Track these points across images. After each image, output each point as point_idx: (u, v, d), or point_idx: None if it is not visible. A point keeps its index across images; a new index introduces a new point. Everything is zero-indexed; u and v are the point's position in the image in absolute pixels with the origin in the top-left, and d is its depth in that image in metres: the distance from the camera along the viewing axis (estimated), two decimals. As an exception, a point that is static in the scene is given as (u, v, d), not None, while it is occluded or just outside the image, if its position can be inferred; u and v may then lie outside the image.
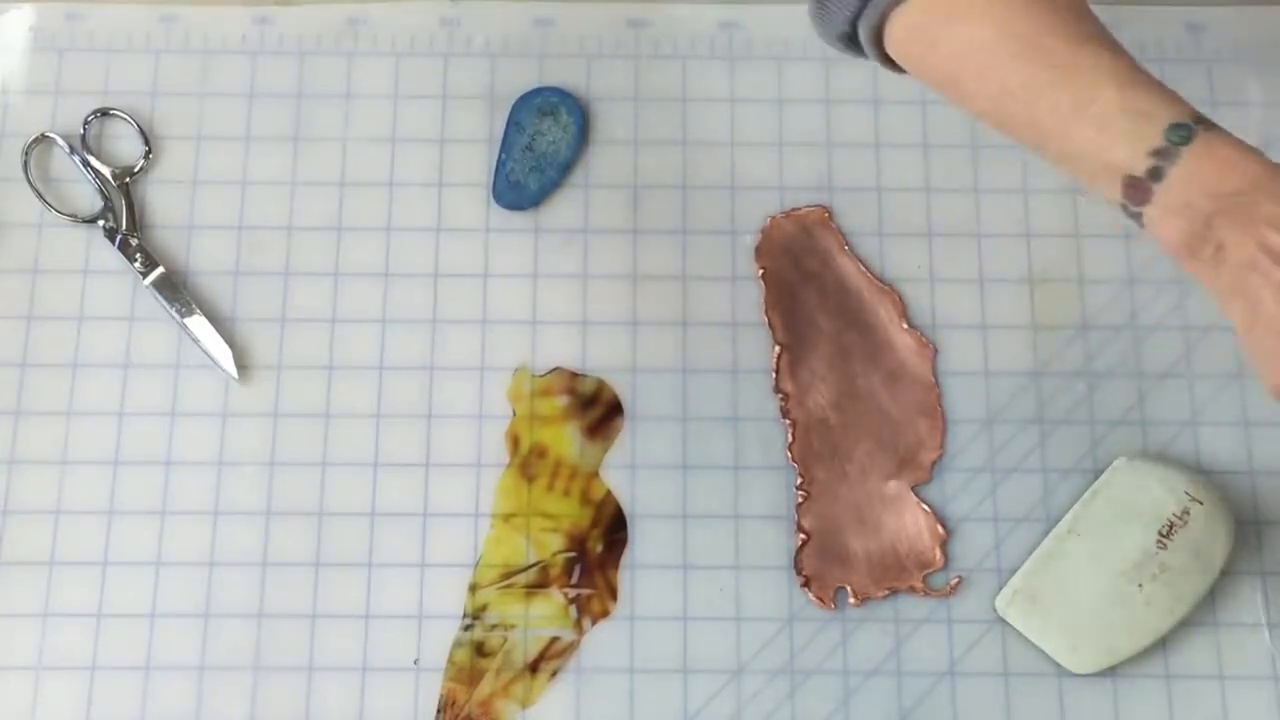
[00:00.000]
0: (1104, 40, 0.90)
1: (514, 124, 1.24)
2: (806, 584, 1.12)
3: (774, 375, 1.17)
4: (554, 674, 1.10)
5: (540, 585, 1.12)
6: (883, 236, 1.22)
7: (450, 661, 1.10)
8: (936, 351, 1.18)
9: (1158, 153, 0.84)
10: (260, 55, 1.26)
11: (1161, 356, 1.18)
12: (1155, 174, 0.84)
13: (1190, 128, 0.84)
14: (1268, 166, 0.83)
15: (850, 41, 1.01)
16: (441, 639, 1.11)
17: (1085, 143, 0.87)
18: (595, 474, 1.15)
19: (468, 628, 1.11)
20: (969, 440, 1.16)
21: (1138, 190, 0.85)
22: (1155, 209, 0.85)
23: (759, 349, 1.18)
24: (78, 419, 1.16)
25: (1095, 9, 1.24)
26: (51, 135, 1.22)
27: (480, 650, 1.10)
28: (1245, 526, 1.13)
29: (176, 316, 1.17)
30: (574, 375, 1.18)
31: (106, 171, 1.21)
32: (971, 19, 0.92)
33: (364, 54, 1.26)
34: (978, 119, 0.96)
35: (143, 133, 1.23)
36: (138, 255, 1.19)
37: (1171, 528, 1.10)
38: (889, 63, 1.00)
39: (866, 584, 1.12)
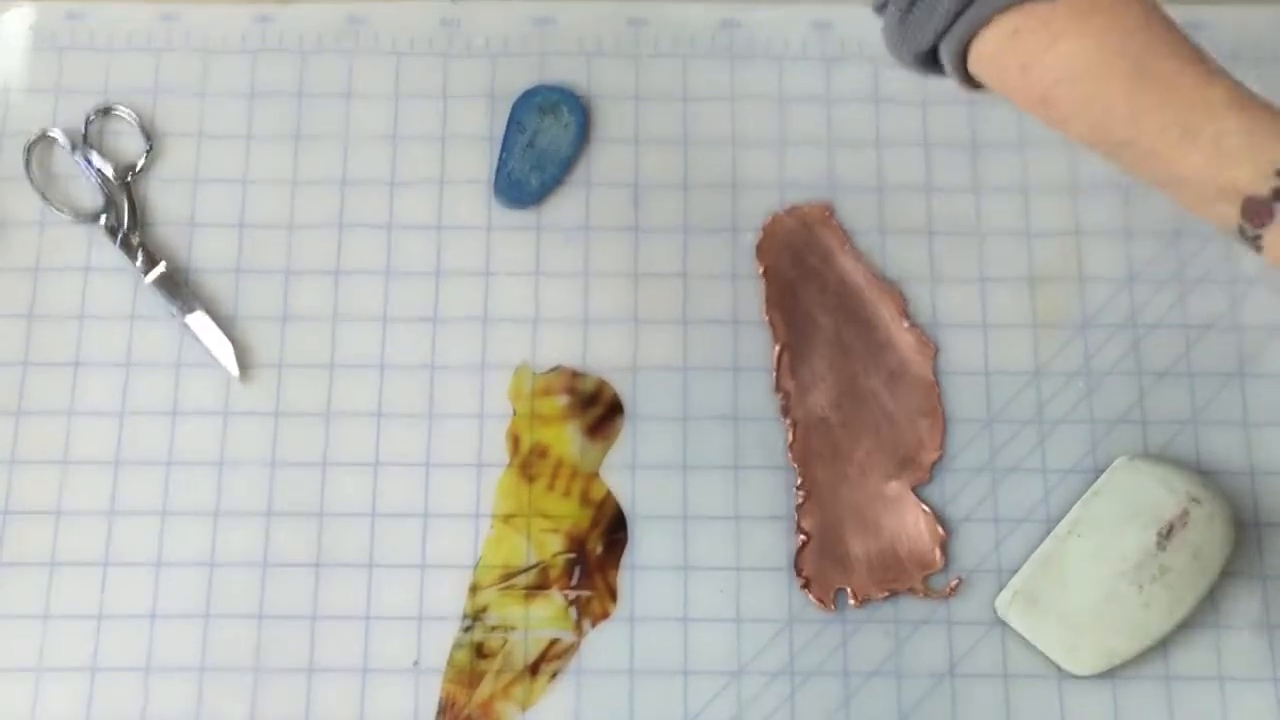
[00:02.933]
0: (1210, 61, 0.88)
1: (515, 122, 1.24)
2: (806, 585, 1.12)
3: (774, 374, 1.17)
4: (554, 675, 1.10)
5: (540, 586, 1.12)
6: (884, 235, 1.22)
7: (450, 663, 1.10)
8: (937, 350, 1.18)
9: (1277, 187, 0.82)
10: (261, 54, 1.26)
11: (1161, 356, 1.18)
12: (1279, 194, 0.82)
13: None
14: None
15: (927, 58, 0.97)
16: (441, 640, 1.11)
17: (1199, 165, 0.85)
18: (595, 474, 1.15)
19: (468, 629, 1.11)
20: (969, 440, 1.16)
21: (1259, 212, 0.83)
22: (1277, 231, 0.83)
23: (760, 348, 1.18)
24: (78, 418, 1.16)
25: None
26: (53, 133, 1.22)
27: (480, 652, 1.11)
28: (1245, 527, 1.13)
29: (177, 315, 1.17)
30: (574, 374, 1.18)
31: (108, 169, 1.21)
32: (1072, 36, 0.90)
33: (365, 52, 1.26)
34: (1074, 140, 0.93)
35: (144, 131, 1.23)
36: (139, 253, 1.19)
37: (1171, 528, 1.10)
38: (968, 81, 0.97)
39: (867, 585, 1.12)
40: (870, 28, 1.26)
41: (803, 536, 1.13)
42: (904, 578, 1.12)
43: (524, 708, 1.10)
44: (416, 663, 1.10)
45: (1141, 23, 0.89)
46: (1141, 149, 0.88)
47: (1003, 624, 1.11)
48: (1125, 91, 0.88)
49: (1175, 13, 1.25)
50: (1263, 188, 0.83)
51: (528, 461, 1.15)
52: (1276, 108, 0.85)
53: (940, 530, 1.13)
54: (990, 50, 0.94)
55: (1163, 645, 1.10)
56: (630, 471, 1.15)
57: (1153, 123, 0.87)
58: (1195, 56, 0.88)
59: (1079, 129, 0.92)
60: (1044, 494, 1.15)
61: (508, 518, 1.14)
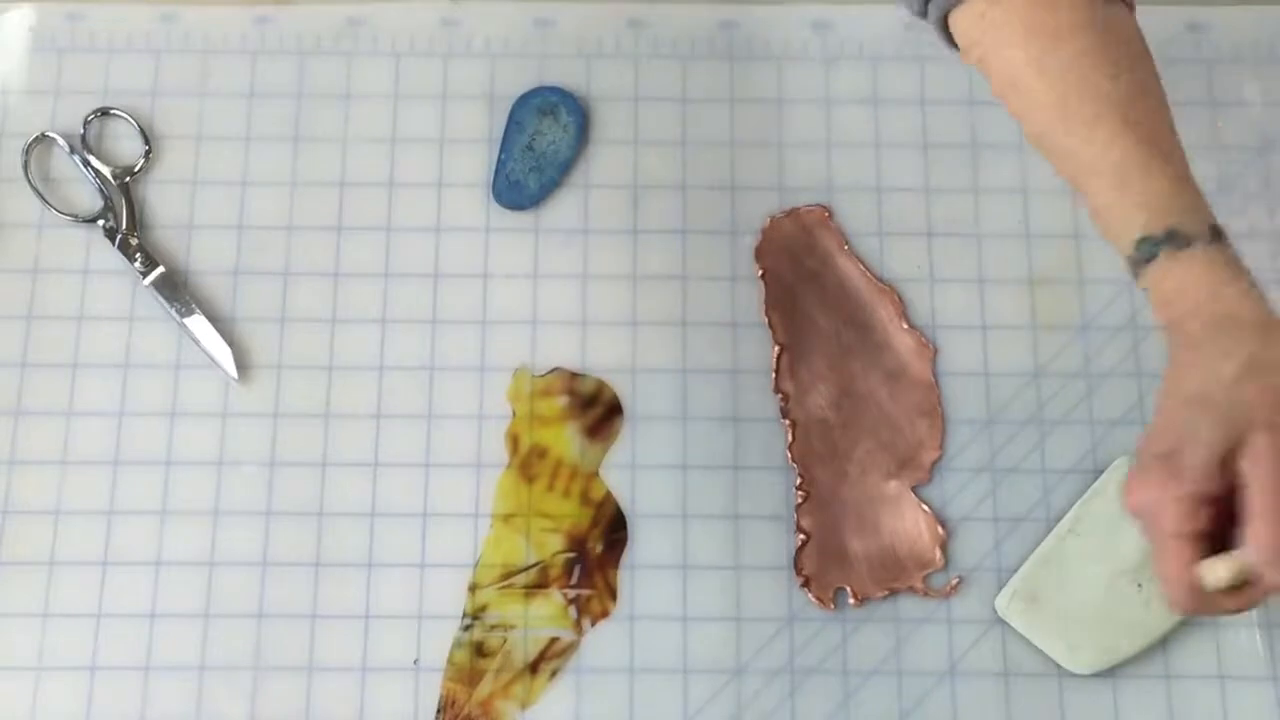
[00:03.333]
0: (1134, 106, 0.90)
1: (514, 124, 1.24)
2: (806, 584, 1.12)
3: (774, 375, 1.17)
4: (554, 674, 1.10)
5: (540, 585, 1.12)
6: (883, 236, 1.22)
7: (450, 662, 1.10)
8: (936, 351, 1.18)
9: (1131, 258, 0.88)
10: (260, 55, 1.26)
11: (1161, 356, 1.16)
12: (1134, 267, 0.88)
13: (1156, 245, 0.86)
14: (1206, 302, 0.85)
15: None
16: (441, 639, 1.11)
17: (1095, 209, 0.91)
18: (595, 474, 1.15)
19: (467, 628, 1.11)
20: (969, 440, 1.16)
21: (1131, 267, 0.89)
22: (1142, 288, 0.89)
23: (759, 349, 1.18)
24: (78, 419, 1.16)
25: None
26: (52, 135, 1.22)
27: (480, 650, 1.10)
28: (1245, 526, 1.13)
29: (176, 316, 1.17)
30: (574, 375, 1.18)
31: (106, 171, 1.21)
32: (1017, 46, 0.92)
33: (364, 54, 1.26)
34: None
35: (143, 132, 1.23)
36: (138, 255, 1.19)
37: (1171, 528, 1.10)
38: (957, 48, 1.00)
39: (866, 584, 1.12)
40: (870, 28, 1.27)
41: (802, 536, 1.13)
42: (904, 577, 1.12)
43: (524, 706, 1.09)
44: (416, 662, 1.10)
45: (1084, 50, 0.90)
46: (1063, 173, 0.93)
47: (1003, 623, 1.11)
48: (1048, 121, 0.91)
49: (1176, 14, 1.27)
50: (1125, 253, 0.88)
51: (527, 462, 1.15)
52: (1165, 169, 0.89)
53: (940, 530, 1.13)
54: (963, 27, 0.96)
55: (1163, 644, 1.10)
56: (630, 471, 1.15)
57: (1063, 161, 0.92)
58: (1120, 101, 0.89)
59: (1025, 131, 0.94)
60: (1044, 494, 1.15)
61: (507, 517, 1.14)
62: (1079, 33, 0.90)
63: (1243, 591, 0.81)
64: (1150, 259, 0.86)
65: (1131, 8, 0.95)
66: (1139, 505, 0.83)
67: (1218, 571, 0.80)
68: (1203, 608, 0.83)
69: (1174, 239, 0.85)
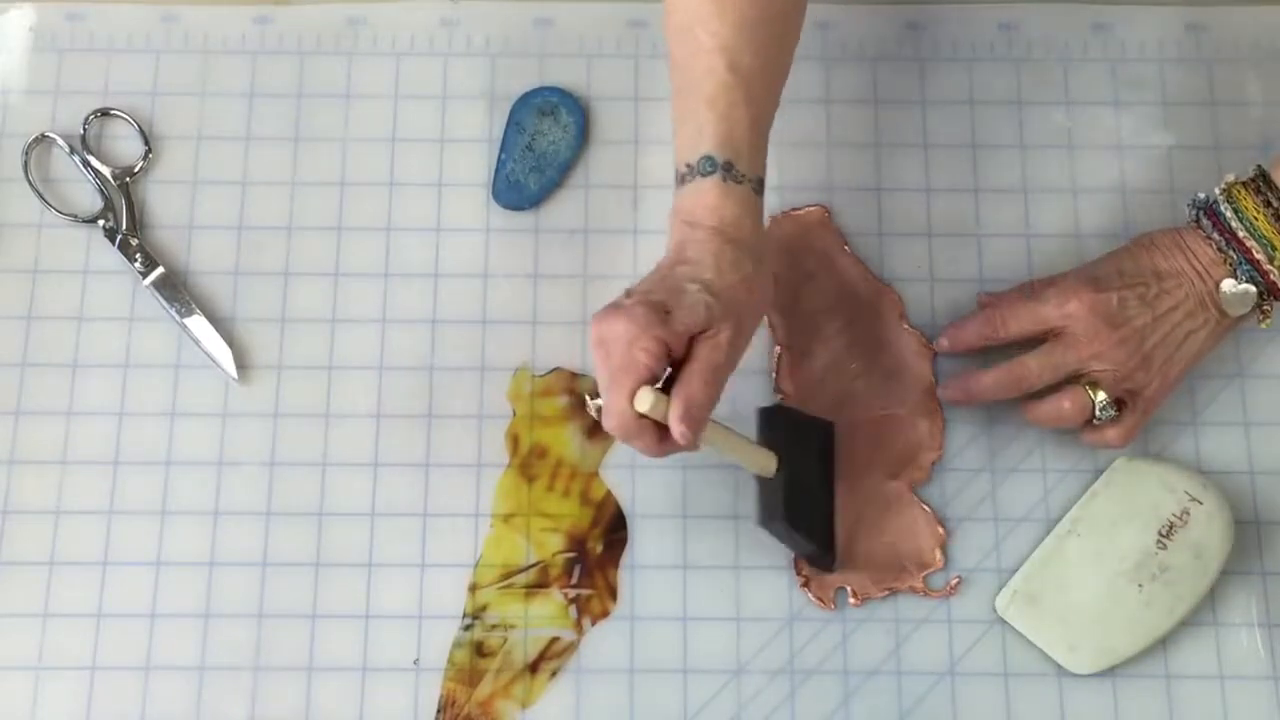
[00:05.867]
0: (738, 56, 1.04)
1: (514, 124, 1.24)
2: (806, 584, 1.12)
3: (774, 375, 1.17)
4: (554, 674, 1.10)
5: (540, 585, 1.12)
6: (882, 236, 1.22)
7: (450, 661, 1.10)
8: (936, 352, 1.18)
9: (691, 164, 1.04)
10: (260, 55, 1.26)
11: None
12: (689, 173, 1.04)
13: (715, 166, 1.03)
14: (734, 221, 1.03)
15: None
16: (441, 639, 1.11)
17: (684, 115, 1.06)
18: (595, 474, 1.15)
19: (468, 628, 1.11)
20: (969, 440, 1.16)
21: (687, 172, 1.05)
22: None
23: (759, 349, 1.18)
24: (78, 419, 1.16)
25: (1096, 11, 1.25)
26: (51, 135, 1.22)
27: (480, 650, 1.10)
28: (1245, 526, 1.13)
29: (176, 317, 1.17)
30: (574, 375, 1.18)
31: (106, 171, 1.21)
32: None
33: (364, 54, 1.26)
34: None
35: (143, 133, 1.23)
36: (137, 255, 1.19)
37: (1171, 528, 1.10)
38: None
39: (866, 584, 1.12)
40: (870, 28, 1.27)
41: (802, 536, 1.13)
42: (904, 577, 1.12)
43: (524, 706, 1.09)
44: (416, 662, 1.10)
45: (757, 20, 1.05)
46: (675, 80, 1.08)
47: (1003, 623, 1.11)
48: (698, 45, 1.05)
49: (1176, 14, 1.27)
50: (689, 159, 1.04)
51: (527, 462, 1.15)
52: (755, 125, 1.05)
53: (940, 530, 1.13)
54: None
55: (1162, 644, 1.10)
56: (630, 471, 1.15)
57: (683, 74, 1.07)
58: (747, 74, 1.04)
59: (668, 24, 1.09)
60: (1044, 494, 1.15)
61: (507, 517, 1.14)
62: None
63: (657, 433, 0.98)
64: (706, 174, 1.02)
65: None
66: (614, 333, 0.97)
67: (645, 397, 0.96)
68: (627, 430, 0.98)
69: (731, 170, 1.02)
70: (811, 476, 1.10)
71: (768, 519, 1.09)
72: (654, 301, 0.98)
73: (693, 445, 0.98)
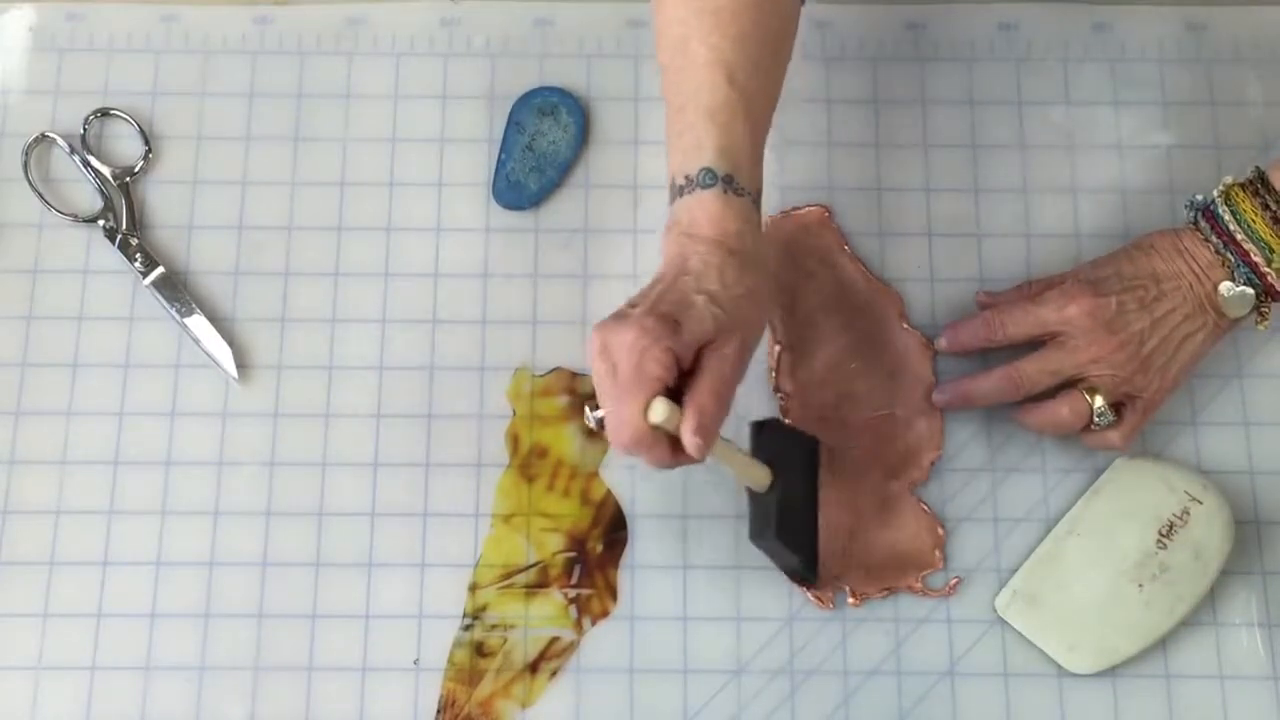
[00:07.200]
0: (752, 102, 1.04)
1: (514, 124, 1.24)
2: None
3: (774, 375, 1.17)
4: (554, 674, 1.10)
5: (540, 585, 1.12)
6: (883, 236, 1.22)
7: (450, 661, 1.10)
8: (937, 351, 1.18)
9: (691, 176, 1.02)
10: (260, 55, 1.26)
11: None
12: (686, 185, 1.03)
13: (715, 178, 1.01)
14: (737, 233, 1.02)
15: None
16: (441, 639, 1.11)
17: (681, 130, 1.04)
18: (595, 474, 1.15)
19: (468, 628, 1.11)
20: (969, 440, 1.16)
21: (683, 183, 1.03)
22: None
23: (759, 349, 1.17)
24: (78, 419, 1.16)
25: (1096, 11, 1.25)
26: (52, 135, 1.22)
27: (480, 650, 1.11)
28: (1245, 526, 1.13)
29: (176, 316, 1.17)
30: (574, 375, 1.18)
31: (106, 171, 1.21)
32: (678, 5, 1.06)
33: (364, 54, 1.27)
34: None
35: (143, 133, 1.23)
36: (138, 255, 1.19)
37: (1171, 528, 1.10)
38: None
39: (865, 584, 1.12)
40: (870, 28, 1.27)
41: (802, 536, 1.13)
42: (903, 577, 1.12)
43: (524, 706, 1.09)
44: (416, 662, 1.10)
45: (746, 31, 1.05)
46: (668, 93, 1.07)
47: (1003, 623, 1.11)
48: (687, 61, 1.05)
49: (1176, 14, 1.27)
50: (689, 171, 1.03)
51: (527, 461, 1.15)
52: (754, 136, 1.04)
53: (939, 530, 1.13)
54: None
55: (1162, 644, 1.10)
56: (630, 471, 1.15)
57: (676, 87, 1.06)
58: (748, 89, 1.04)
59: (660, 45, 1.08)
60: (1044, 494, 1.15)
61: (508, 517, 1.14)
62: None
63: (669, 446, 0.98)
64: (707, 186, 1.01)
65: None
66: (622, 343, 0.96)
67: (660, 409, 0.95)
68: (640, 442, 0.97)
69: (731, 182, 1.02)
70: (800, 492, 1.09)
71: (759, 533, 1.08)
72: (663, 312, 0.97)
73: (703, 458, 0.98)
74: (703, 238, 1.01)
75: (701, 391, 0.97)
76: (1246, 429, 1.17)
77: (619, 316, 0.98)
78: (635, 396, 0.96)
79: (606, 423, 0.98)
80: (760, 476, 1.06)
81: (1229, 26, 1.27)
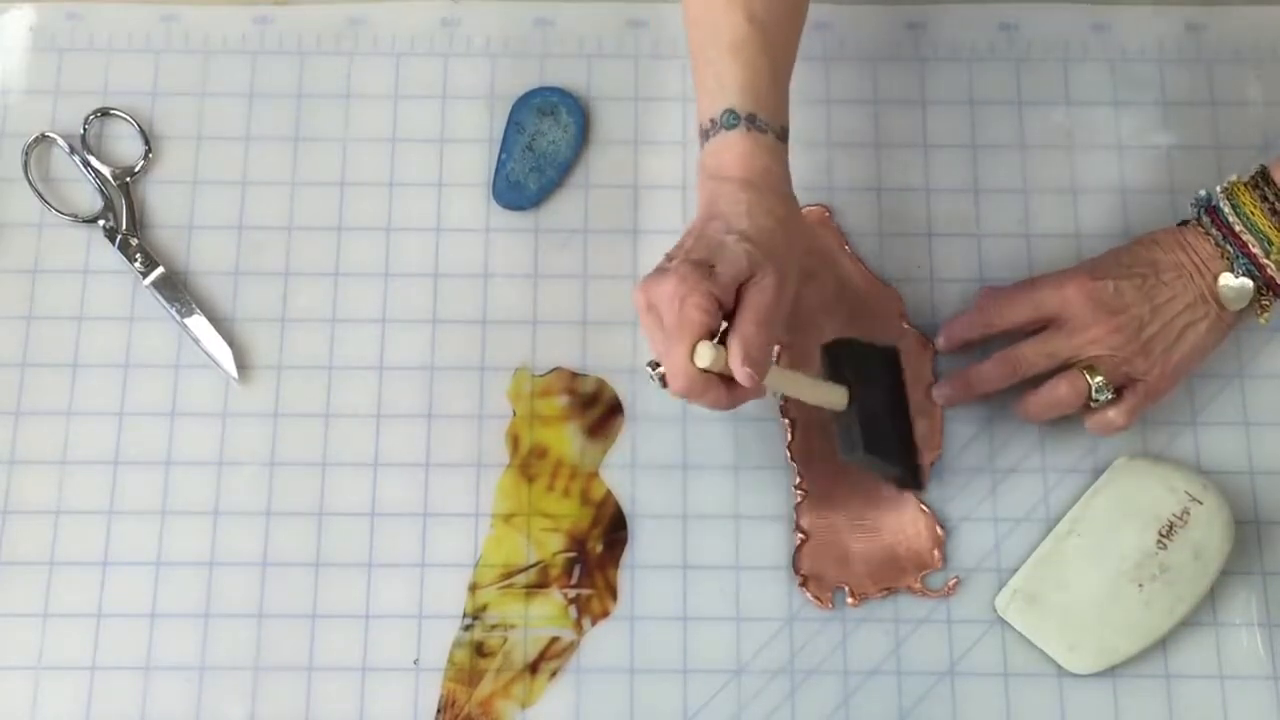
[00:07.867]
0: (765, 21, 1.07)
1: (514, 124, 1.24)
2: (804, 583, 1.12)
3: (774, 375, 1.17)
4: (554, 674, 1.10)
5: (540, 585, 1.12)
6: (882, 236, 1.22)
7: (450, 662, 1.10)
8: (936, 351, 1.18)
9: (715, 119, 1.06)
10: (260, 55, 1.26)
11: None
12: (712, 128, 1.06)
13: (738, 119, 1.05)
14: (763, 170, 1.05)
15: None
16: (441, 639, 1.11)
17: (705, 75, 1.08)
18: (595, 474, 1.15)
19: (468, 628, 1.11)
20: (969, 440, 1.16)
21: (710, 127, 1.06)
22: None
23: (759, 349, 1.18)
24: (78, 419, 1.16)
25: (1096, 11, 1.25)
26: (52, 135, 1.22)
27: (480, 650, 1.10)
28: (1245, 526, 1.13)
29: (176, 316, 1.17)
30: (574, 375, 1.18)
31: (106, 171, 1.21)
32: None
33: (364, 54, 1.26)
34: None
35: (143, 133, 1.23)
36: (138, 255, 1.19)
37: (1171, 528, 1.10)
38: None
39: (865, 584, 1.12)
40: (870, 28, 1.27)
41: (801, 535, 1.13)
42: (902, 577, 1.12)
43: (524, 706, 1.09)
44: (416, 662, 1.10)
45: None
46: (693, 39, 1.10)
47: (1003, 623, 1.11)
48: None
49: (1176, 14, 1.27)
50: (713, 114, 1.06)
51: (527, 461, 1.15)
52: (776, 78, 1.08)
53: (939, 530, 1.13)
54: None
55: (1162, 644, 1.10)
56: (630, 471, 1.15)
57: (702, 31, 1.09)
58: (767, 31, 1.07)
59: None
60: (1044, 494, 1.15)
61: (508, 517, 1.14)
62: None
63: (725, 386, 1.00)
64: (730, 127, 1.04)
65: None
66: (663, 295, 0.98)
67: (705, 352, 0.97)
68: (692, 388, 0.99)
69: (754, 120, 1.05)
70: (883, 403, 1.11)
71: (848, 451, 1.10)
72: (697, 259, 0.99)
73: (759, 389, 1.00)
74: (730, 178, 1.04)
75: (744, 322, 0.99)
76: (1246, 429, 1.17)
77: (658, 271, 1.00)
78: (681, 343, 0.98)
79: (664, 376, 1.00)
80: (834, 397, 1.08)
81: (1229, 26, 1.27)
